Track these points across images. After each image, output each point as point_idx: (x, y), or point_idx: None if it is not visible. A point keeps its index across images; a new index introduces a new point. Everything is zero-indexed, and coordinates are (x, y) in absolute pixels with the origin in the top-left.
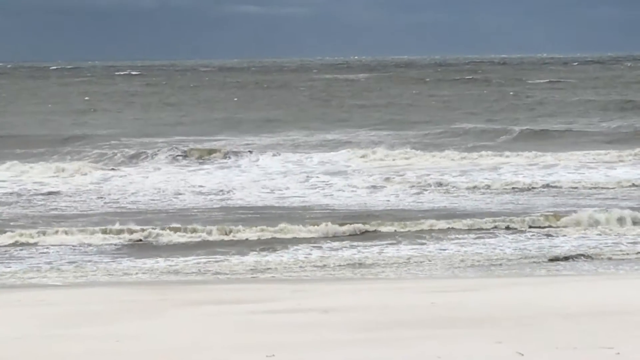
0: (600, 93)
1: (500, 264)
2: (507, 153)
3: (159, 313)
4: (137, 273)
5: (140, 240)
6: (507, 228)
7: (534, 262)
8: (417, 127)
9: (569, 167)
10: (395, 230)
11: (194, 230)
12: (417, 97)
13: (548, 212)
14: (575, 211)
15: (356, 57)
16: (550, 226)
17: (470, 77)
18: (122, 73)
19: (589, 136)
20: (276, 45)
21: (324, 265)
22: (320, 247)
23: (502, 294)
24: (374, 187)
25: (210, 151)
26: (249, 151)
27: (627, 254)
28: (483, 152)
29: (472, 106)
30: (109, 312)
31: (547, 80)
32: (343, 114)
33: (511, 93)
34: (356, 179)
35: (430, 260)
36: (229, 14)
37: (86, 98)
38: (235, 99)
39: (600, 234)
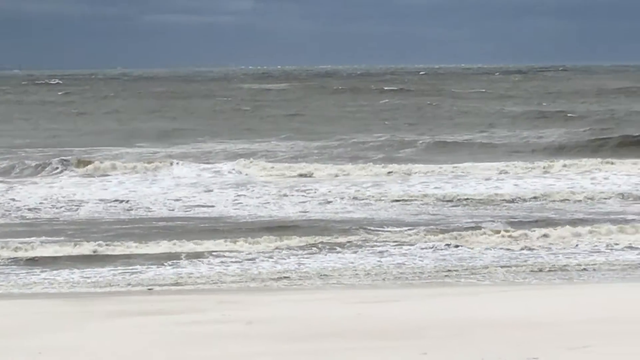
0: (517, 104)
1: (422, 275)
2: (418, 165)
3: (82, 325)
4: (52, 285)
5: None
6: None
7: (455, 272)
8: (330, 137)
9: (479, 178)
10: (321, 241)
11: (107, 242)
12: (333, 107)
13: (464, 223)
14: (493, 221)
15: (279, 67)
16: (466, 237)
17: (391, 87)
18: (40, 82)
19: (500, 147)
20: (203, 55)
21: (247, 276)
22: (239, 259)
23: (428, 305)
24: (284, 197)
25: (120, 161)
26: (160, 161)
27: (547, 264)
28: (395, 164)
29: (389, 116)
30: (29, 324)
31: (469, 90)
32: (258, 124)
33: (428, 103)
34: (266, 189)
35: (352, 271)
36: (156, 23)
37: None
38: (152, 109)
39: (517, 245)
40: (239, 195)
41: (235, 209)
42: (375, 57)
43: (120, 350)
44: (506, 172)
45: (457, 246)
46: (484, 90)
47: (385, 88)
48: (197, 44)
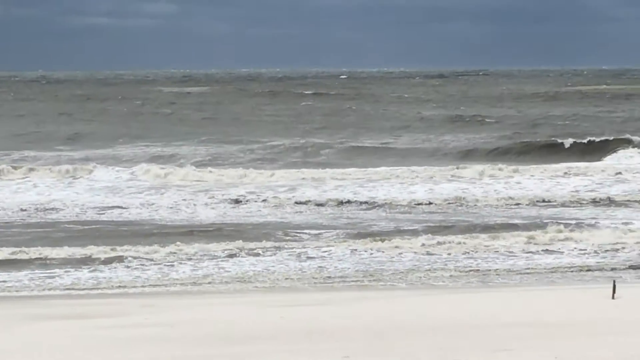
0: (435, 108)
1: (345, 279)
2: (335, 169)
3: (4, 328)
4: None
5: None
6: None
7: (376, 276)
8: (248, 141)
9: (393, 182)
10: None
11: (23, 246)
12: (253, 110)
13: (382, 226)
14: (412, 225)
15: (202, 70)
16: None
17: (312, 91)
18: None
19: (416, 151)
20: (125, 58)
21: (168, 280)
22: (158, 263)
23: (354, 308)
24: (200, 200)
25: (36, 164)
26: (77, 164)
27: (466, 268)
28: (312, 167)
29: (308, 120)
30: None
31: (390, 94)
32: (177, 127)
33: (347, 107)
34: (181, 193)
35: (273, 274)
36: (77, 25)
37: None
38: (71, 112)
39: (437, 249)
40: (155, 199)
41: (151, 212)
42: (299, 60)
43: (38, 353)
44: (421, 177)
45: (380, 251)
46: (406, 95)
47: (306, 92)
48: (119, 46)
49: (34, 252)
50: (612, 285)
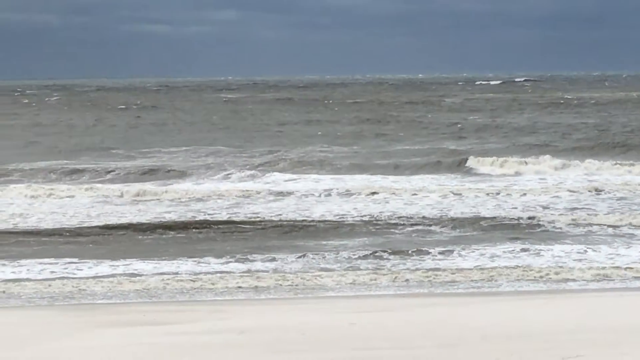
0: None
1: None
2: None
3: (79, 334)
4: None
5: None
6: None
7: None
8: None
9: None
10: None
11: None
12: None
13: None
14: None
15: (260, 78)
16: None
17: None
18: None
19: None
20: (186, 65)
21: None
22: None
23: (420, 314)
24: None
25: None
26: None
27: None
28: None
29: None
30: (30, 334)
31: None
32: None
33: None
34: None
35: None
36: (137, 32)
37: None
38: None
39: None
40: None
41: None
42: (358, 66)
43: (108, 359)
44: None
45: None
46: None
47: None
48: (178, 53)
49: None
50: None
